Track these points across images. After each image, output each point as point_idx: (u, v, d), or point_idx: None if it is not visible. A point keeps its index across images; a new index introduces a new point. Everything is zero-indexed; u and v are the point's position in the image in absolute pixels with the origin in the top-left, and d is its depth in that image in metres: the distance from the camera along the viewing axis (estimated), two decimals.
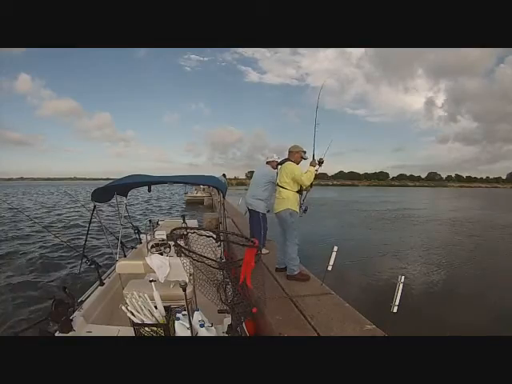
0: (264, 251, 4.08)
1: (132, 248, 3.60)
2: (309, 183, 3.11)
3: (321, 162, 3.15)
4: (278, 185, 3.29)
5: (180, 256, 1.50)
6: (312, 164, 3.15)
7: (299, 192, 3.21)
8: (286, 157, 3.33)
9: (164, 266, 2.06)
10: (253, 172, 4.56)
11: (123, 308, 1.68)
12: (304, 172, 3.10)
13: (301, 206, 3.26)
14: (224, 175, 10.86)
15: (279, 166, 3.38)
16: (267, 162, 4.10)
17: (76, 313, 1.92)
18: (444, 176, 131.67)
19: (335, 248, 3.00)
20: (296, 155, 3.23)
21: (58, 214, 13.67)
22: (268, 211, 3.97)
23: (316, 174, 3.14)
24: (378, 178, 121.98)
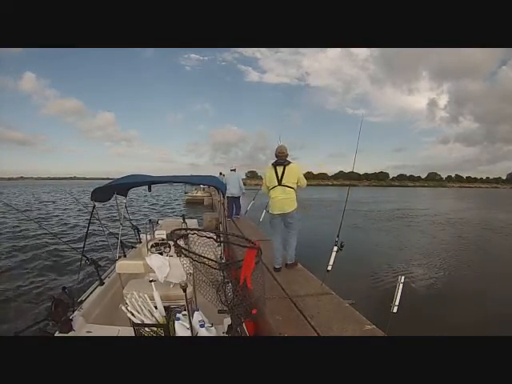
0: (238, 217, 7.55)
1: (132, 248, 3.60)
2: (305, 184, 3.40)
3: None
4: (283, 184, 3.24)
5: (180, 256, 1.50)
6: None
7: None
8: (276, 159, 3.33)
9: (164, 265, 2.06)
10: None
11: (123, 308, 1.68)
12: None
13: (336, 243, 3.04)
14: (221, 173, 10.79)
15: (277, 167, 3.30)
16: (234, 170, 7.51)
17: (76, 313, 1.92)
18: (444, 176, 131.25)
19: (335, 248, 3.01)
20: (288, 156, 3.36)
21: (58, 214, 13.67)
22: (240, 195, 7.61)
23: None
24: (378, 178, 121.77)
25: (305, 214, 3.38)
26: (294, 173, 3.22)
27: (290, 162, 3.27)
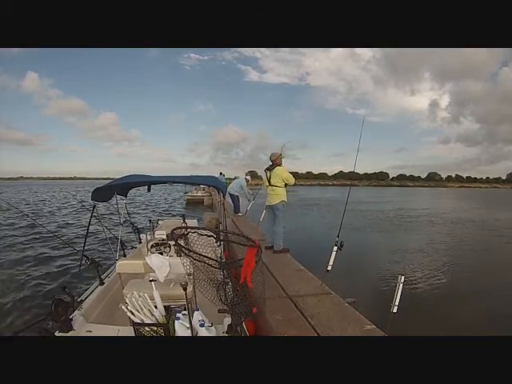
0: (240, 214, 8.06)
1: (132, 248, 3.60)
2: (293, 181, 4.26)
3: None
4: (271, 184, 4.20)
5: (180, 256, 1.50)
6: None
7: (285, 187, 4.25)
8: (271, 163, 4.28)
9: (164, 265, 2.06)
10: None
11: (123, 308, 1.68)
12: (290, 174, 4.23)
13: (336, 243, 3.07)
14: (221, 173, 10.83)
15: (267, 171, 4.27)
16: (246, 176, 8.25)
17: (76, 312, 1.92)
18: (444, 176, 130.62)
19: (335, 248, 3.01)
20: (278, 160, 4.23)
21: (58, 214, 13.67)
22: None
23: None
24: (378, 178, 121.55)
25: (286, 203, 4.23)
26: (278, 175, 4.14)
27: (275, 166, 4.19)
